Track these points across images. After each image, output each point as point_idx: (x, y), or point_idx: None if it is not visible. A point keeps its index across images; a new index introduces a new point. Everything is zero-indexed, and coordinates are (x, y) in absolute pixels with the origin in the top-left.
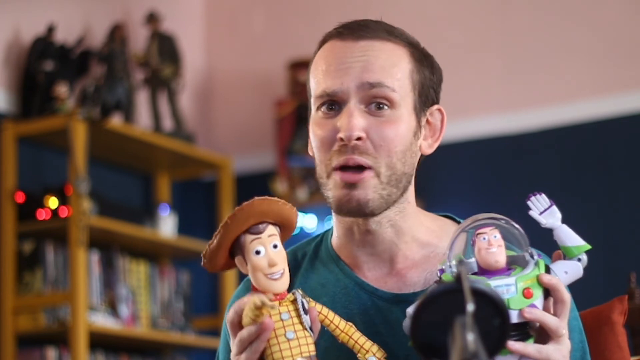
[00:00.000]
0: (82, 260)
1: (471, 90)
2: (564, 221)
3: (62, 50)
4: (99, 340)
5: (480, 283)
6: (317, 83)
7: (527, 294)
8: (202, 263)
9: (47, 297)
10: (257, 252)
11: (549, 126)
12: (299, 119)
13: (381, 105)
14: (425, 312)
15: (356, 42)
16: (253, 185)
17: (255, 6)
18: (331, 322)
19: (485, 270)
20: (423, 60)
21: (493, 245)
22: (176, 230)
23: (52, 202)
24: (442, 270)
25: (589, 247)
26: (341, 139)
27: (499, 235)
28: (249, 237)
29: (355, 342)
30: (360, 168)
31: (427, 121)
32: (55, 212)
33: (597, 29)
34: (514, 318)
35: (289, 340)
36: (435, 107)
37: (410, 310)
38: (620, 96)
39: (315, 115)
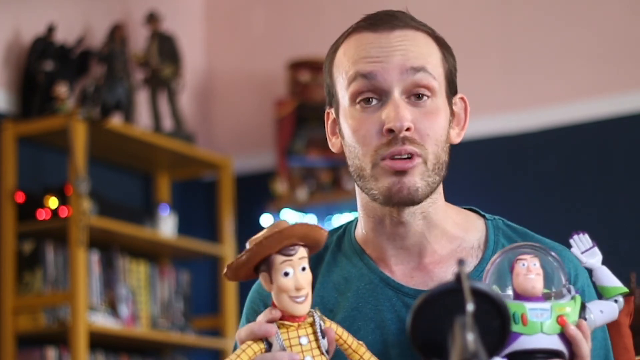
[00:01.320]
0: (82, 260)
1: (471, 90)
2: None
3: (62, 50)
4: (99, 340)
5: (482, 284)
6: (350, 74)
7: (561, 321)
8: (224, 273)
9: (47, 297)
10: (286, 274)
11: (549, 126)
12: (299, 119)
13: (421, 95)
14: (425, 311)
15: (391, 32)
16: (253, 185)
17: (255, 6)
18: (345, 341)
19: (520, 296)
20: (445, 47)
21: (532, 272)
22: (176, 230)
23: (52, 202)
24: None
25: (626, 290)
26: (389, 131)
27: (538, 264)
28: (279, 258)
29: None
30: (409, 157)
31: (452, 110)
32: (55, 212)
33: (597, 29)
34: (542, 343)
35: None
36: (458, 95)
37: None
38: (620, 96)
39: (351, 109)
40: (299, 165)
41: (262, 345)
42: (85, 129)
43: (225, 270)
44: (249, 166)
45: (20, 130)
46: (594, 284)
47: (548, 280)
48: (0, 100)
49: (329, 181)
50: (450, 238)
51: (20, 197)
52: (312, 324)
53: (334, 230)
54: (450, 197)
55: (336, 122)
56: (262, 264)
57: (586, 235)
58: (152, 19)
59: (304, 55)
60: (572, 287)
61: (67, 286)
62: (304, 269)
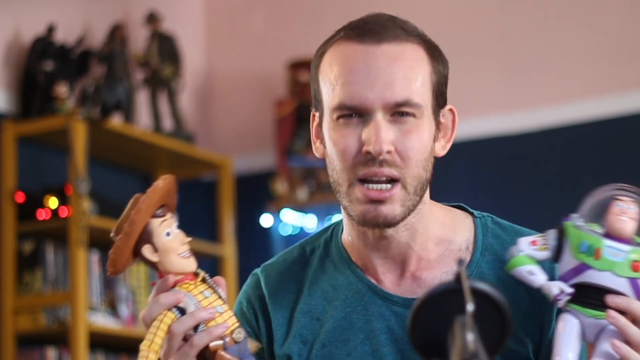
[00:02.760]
0: (82, 260)
1: (471, 90)
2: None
3: (62, 50)
4: (99, 340)
5: (481, 283)
6: (334, 91)
7: (635, 266)
8: (107, 268)
9: (47, 297)
10: (167, 234)
11: (549, 126)
12: (299, 119)
13: (404, 114)
14: (424, 311)
15: (378, 45)
16: (253, 185)
17: (255, 6)
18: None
19: (609, 235)
20: (436, 55)
21: (626, 214)
22: None
23: (52, 202)
24: (566, 218)
25: None
26: (368, 153)
27: (635, 209)
28: (156, 222)
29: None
30: (388, 181)
31: (439, 122)
32: (55, 212)
33: (597, 29)
34: (609, 282)
35: (221, 314)
36: (447, 107)
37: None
38: (620, 96)
39: (334, 123)
40: (299, 165)
41: (174, 315)
42: (85, 129)
43: (108, 266)
44: (249, 166)
45: (20, 130)
46: None
47: None
48: (0, 100)
49: (329, 181)
50: (437, 241)
51: (20, 197)
52: (204, 279)
53: (321, 232)
54: (449, 197)
55: (320, 126)
56: (140, 241)
57: None
58: (152, 19)
59: (304, 55)
60: None
61: (67, 286)
62: (177, 226)
